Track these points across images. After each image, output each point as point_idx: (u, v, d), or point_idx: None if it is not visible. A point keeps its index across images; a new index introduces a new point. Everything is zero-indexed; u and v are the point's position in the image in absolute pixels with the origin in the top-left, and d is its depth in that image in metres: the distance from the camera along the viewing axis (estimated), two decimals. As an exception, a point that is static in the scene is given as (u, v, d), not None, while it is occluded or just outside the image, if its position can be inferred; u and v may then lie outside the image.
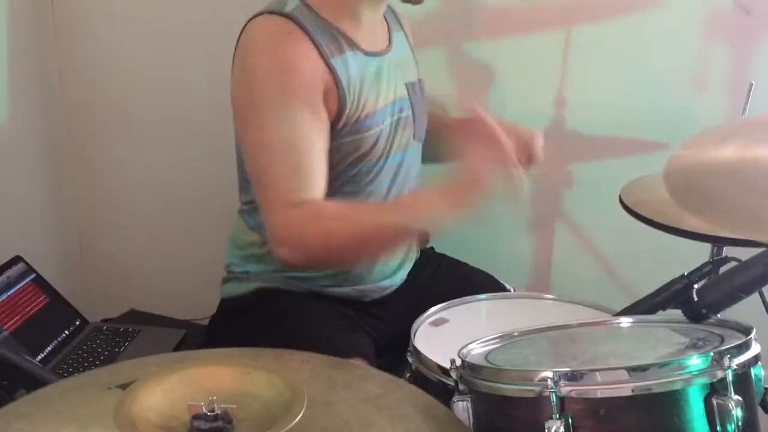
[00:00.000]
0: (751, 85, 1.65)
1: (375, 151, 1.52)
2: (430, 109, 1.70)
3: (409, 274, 1.70)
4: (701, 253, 1.58)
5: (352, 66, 1.47)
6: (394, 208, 1.47)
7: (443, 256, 1.82)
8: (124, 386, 0.94)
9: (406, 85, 1.60)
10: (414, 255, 1.73)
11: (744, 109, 1.67)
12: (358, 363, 1.37)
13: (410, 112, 1.59)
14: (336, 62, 1.45)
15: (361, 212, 1.43)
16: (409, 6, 1.60)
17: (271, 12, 1.44)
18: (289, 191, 1.37)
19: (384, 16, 1.63)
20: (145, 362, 1.11)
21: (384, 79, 1.54)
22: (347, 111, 1.45)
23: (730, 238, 1.45)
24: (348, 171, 1.51)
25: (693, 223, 1.48)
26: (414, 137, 1.61)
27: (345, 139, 1.47)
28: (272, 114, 1.39)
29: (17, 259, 1.86)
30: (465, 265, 1.79)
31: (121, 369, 1.12)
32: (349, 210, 1.42)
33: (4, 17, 1.99)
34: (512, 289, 1.71)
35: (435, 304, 1.48)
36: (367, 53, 1.52)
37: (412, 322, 1.41)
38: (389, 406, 0.98)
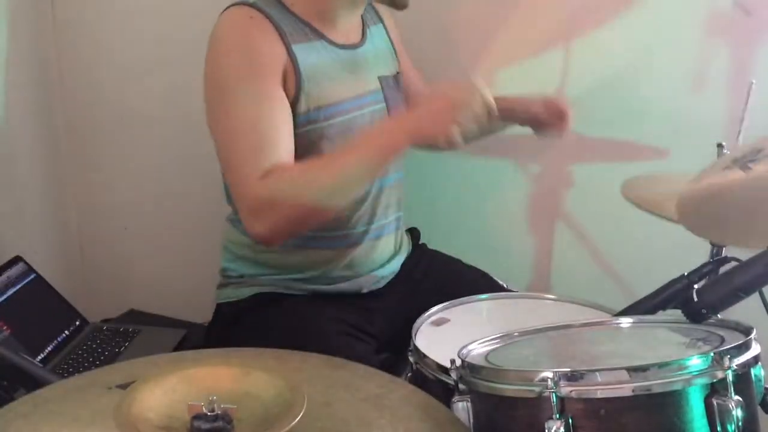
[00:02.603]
0: (751, 84, 1.65)
1: (343, 143, 1.52)
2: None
3: (404, 268, 1.70)
4: (701, 253, 1.58)
5: (315, 54, 1.51)
6: (356, 147, 1.43)
7: (437, 253, 1.83)
8: (124, 386, 0.94)
9: (379, 78, 1.62)
10: (407, 247, 1.74)
11: (744, 109, 1.66)
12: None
13: (384, 105, 1.61)
14: (297, 48, 1.48)
15: (325, 162, 1.44)
16: (413, 3, 1.62)
17: (236, 3, 1.50)
18: (256, 165, 1.39)
19: None
20: (145, 362, 1.11)
21: (353, 71, 1.57)
22: (304, 97, 1.48)
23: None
24: None
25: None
26: None
27: (308, 127, 1.49)
28: (235, 93, 1.43)
29: (17, 259, 1.86)
30: (458, 261, 1.80)
31: (121, 369, 1.12)
32: (312, 164, 1.43)
33: (3, 16, 1.99)
34: (504, 285, 1.72)
35: (430, 298, 1.48)
36: (335, 45, 1.55)
37: (409, 318, 1.42)
38: (389, 406, 0.98)
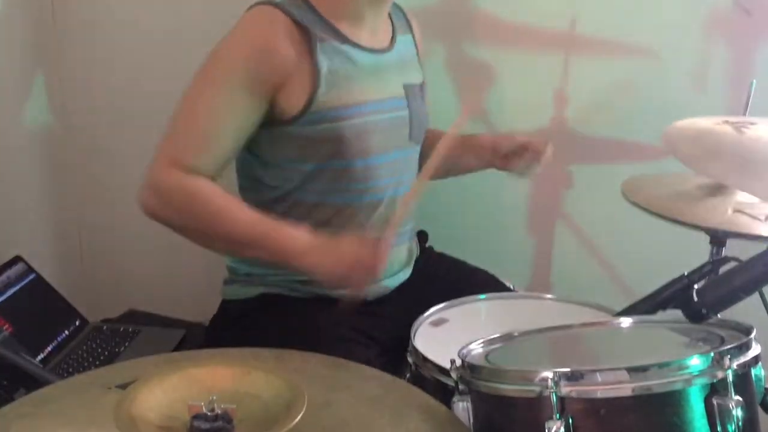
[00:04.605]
0: (752, 83, 1.64)
1: (367, 145, 1.52)
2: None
3: (411, 273, 1.70)
4: (701, 253, 1.58)
5: (338, 55, 1.50)
6: (258, 228, 1.43)
7: (443, 255, 1.82)
8: (124, 386, 0.94)
9: (404, 85, 1.61)
10: (415, 253, 1.74)
11: (745, 108, 1.66)
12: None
13: (407, 112, 1.60)
14: (321, 47, 1.47)
15: (229, 216, 1.43)
16: (413, 2, 1.61)
17: (263, 2, 1.49)
18: (184, 149, 1.43)
19: (391, 19, 1.65)
20: (145, 362, 1.11)
21: (378, 75, 1.56)
22: (319, 97, 1.47)
23: (732, 232, 1.46)
24: (338, 164, 1.51)
25: (693, 216, 1.48)
26: (410, 138, 1.62)
27: (323, 125, 1.48)
28: (214, 84, 1.45)
29: (17, 259, 1.86)
30: (465, 263, 1.80)
31: (121, 369, 1.12)
32: (219, 205, 1.43)
33: (4, 18, 1.99)
34: (512, 286, 1.72)
35: (436, 301, 1.48)
36: (361, 48, 1.54)
37: (413, 321, 1.41)
38: (389, 406, 0.98)
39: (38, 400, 1.00)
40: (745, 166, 1.39)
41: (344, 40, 1.52)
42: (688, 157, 1.45)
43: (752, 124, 1.51)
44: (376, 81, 1.55)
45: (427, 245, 1.83)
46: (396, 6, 1.68)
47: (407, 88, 1.62)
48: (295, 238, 1.40)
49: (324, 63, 1.47)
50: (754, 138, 1.48)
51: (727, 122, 1.52)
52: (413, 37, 1.71)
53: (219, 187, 1.44)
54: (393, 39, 1.63)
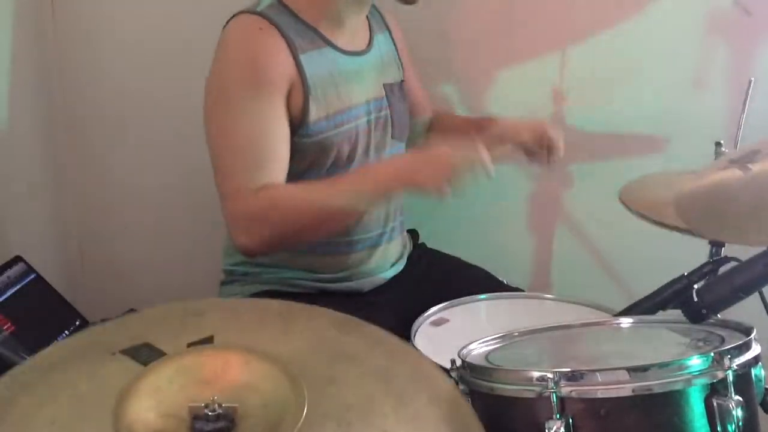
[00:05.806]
0: (751, 81, 1.64)
1: (350, 149, 1.54)
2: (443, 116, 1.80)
3: (405, 266, 1.72)
4: (701, 253, 1.58)
5: (322, 62, 1.51)
6: (346, 186, 1.47)
7: (436, 251, 1.84)
8: (128, 351, 0.91)
9: (384, 85, 1.63)
10: (409, 248, 1.75)
11: (743, 107, 1.66)
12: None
13: (388, 111, 1.62)
14: (305, 58, 1.49)
15: (314, 194, 1.45)
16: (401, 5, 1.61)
17: (245, 11, 1.50)
18: (247, 181, 1.42)
19: (367, 18, 1.65)
20: (146, 320, 1.06)
21: (359, 79, 1.57)
22: (312, 107, 1.48)
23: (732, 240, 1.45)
24: (324, 172, 1.53)
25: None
26: (393, 137, 1.64)
27: (319, 136, 1.50)
28: (238, 107, 1.45)
29: (17, 259, 1.86)
30: (457, 259, 1.82)
31: (124, 327, 1.03)
32: (302, 193, 1.45)
33: (4, 18, 1.99)
34: (505, 281, 1.72)
35: (430, 296, 1.50)
36: (343, 51, 1.56)
37: (410, 316, 1.43)
38: (395, 383, 0.92)
39: (40, 368, 0.93)
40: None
41: (325, 43, 1.53)
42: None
43: (757, 153, 1.30)
44: (358, 84, 1.57)
45: (419, 242, 1.85)
46: (371, 5, 1.67)
47: (387, 87, 1.63)
48: (388, 165, 1.49)
49: (310, 72, 1.49)
50: (761, 174, 1.26)
51: (733, 162, 1.31)
52: (391, 33, 1.71)
53: (285, 183, 1.46)
54: (371, 39, 1.64)
